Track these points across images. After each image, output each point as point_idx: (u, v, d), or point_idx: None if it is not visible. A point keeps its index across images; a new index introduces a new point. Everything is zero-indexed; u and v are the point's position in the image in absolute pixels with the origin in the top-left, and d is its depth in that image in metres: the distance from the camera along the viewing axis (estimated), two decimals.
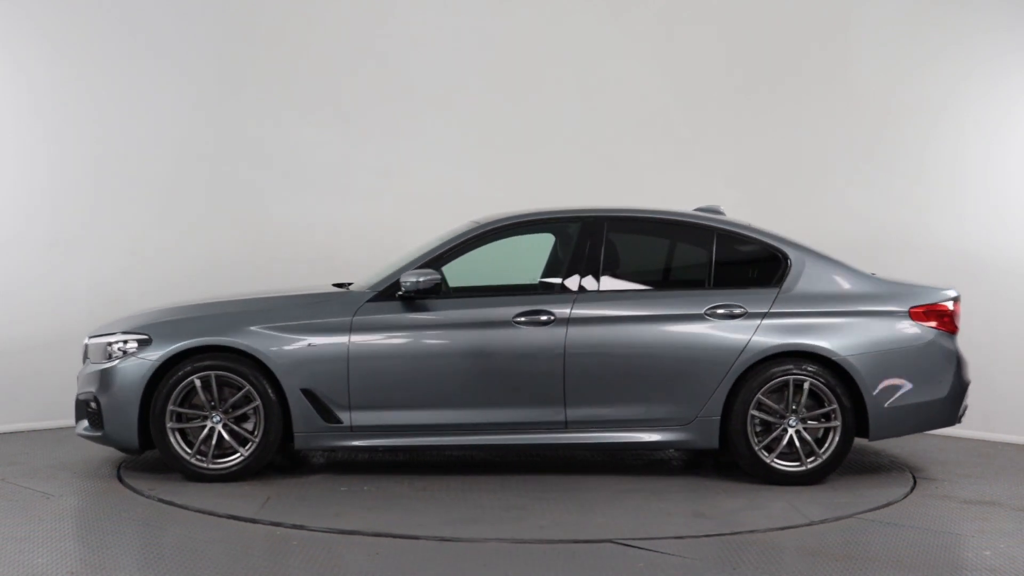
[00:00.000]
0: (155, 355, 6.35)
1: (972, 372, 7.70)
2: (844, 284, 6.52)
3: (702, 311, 6.39)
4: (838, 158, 8.78)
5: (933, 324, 6.42)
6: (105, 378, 6.45)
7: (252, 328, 6.41)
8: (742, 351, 6.31)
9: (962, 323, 7.89)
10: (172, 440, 6.32)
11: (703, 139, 9.48)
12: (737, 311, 6.38)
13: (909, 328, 6.40)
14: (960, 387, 6.49)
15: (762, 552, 4.96)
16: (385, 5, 9.76)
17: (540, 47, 10.02)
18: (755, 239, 6.66)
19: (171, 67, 8.75)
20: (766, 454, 6.30)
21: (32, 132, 8.12)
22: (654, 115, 9.70)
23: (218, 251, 8.93)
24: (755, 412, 6.30)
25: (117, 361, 6.45)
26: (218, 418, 6.35)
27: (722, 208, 6.99)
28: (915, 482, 6.43)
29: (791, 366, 6.30)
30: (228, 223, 9.01)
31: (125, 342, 6.49)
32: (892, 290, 6.52)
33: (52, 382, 8.14)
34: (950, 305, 6.50)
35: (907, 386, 6.33)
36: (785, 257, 6.56)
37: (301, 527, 5.32)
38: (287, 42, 9.37)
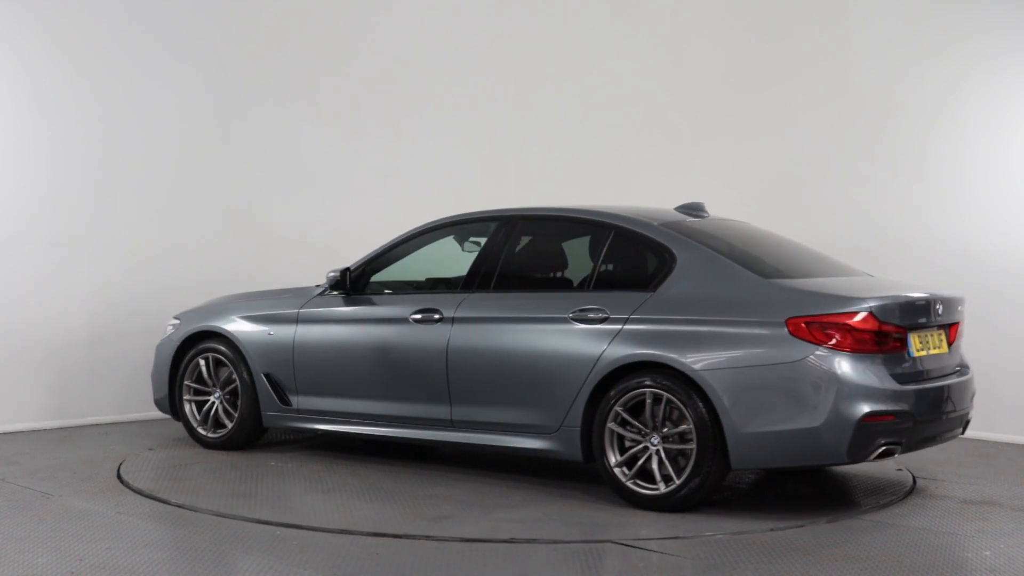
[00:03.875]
0: (176, 336, 7.43)
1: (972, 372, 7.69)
2: (726, 289, 5.69)
3: (568, 314, 5.98)
4: (838, 158, 8.78)
5: (819, 339, 5.37)
6: (155, 354, 7.61)
7: (237, 317, 7.26)
8: (597, 360, 5.81)
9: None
10: (187, 410, 7.36)
11: (703, 139, 9.48)
12: (599, 316, 5.88)
13: (782, 342, 5.42)
14: (845, 417, 5.31)
15: (762, 552, 4.96)
16: (385, 5, 9.77)
17: (540, 47, 10.03)
18: (647, 237, 6.04)
19: (172, 67, 8.76)
20: (626, 472, 5.72)
21: (34, 131, 8.12)
22: (654, 115, 9.70)
23: (219, 251, 8.95)
24: (614, 426, 5.75)
25: (160, 341, 7.61)
26: (218, 394, 7.26)
27: (704, 205, 6.66)
28: (915, 482, 6.43)
29: (647, 378, 5.66)
30: (229, 223, 9.03)
31: (172, 326, 7.57)
32: (778, 297, 5.55)
33: (53, 382, 8.15)
34: (857, 318, 5.39)
35: (772, 410, 5.41)
36: (671, 257, 5.90)
37: (299, 527, 5.32)
38: (288, 43, 9.38)
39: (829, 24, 8.88)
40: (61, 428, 8.07)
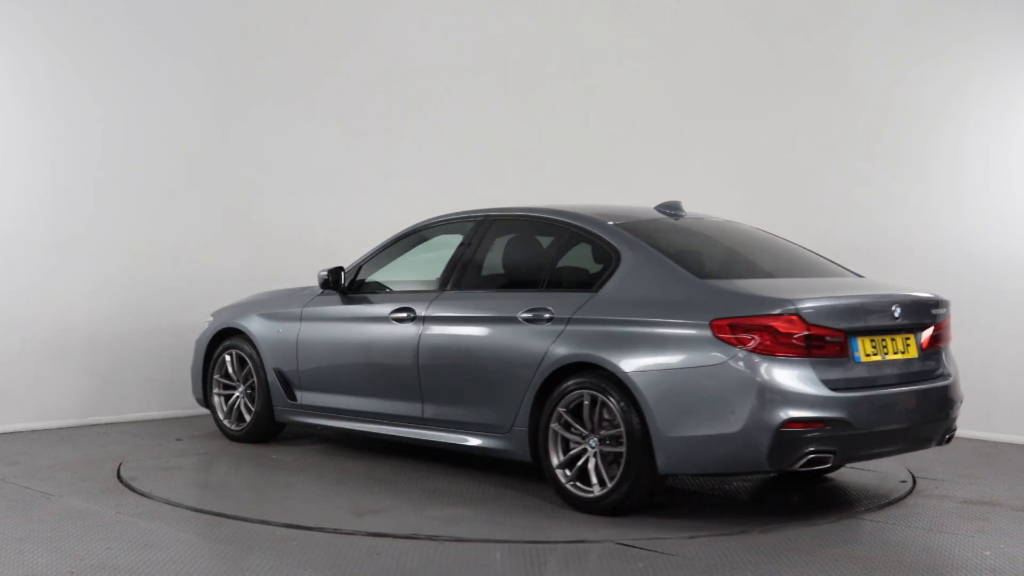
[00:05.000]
0: (208, 333, 7.73)
1: (971, 372, 7.67)
2: (662, 289, 5.56)
3: (518, 314, 5.95)
4: (838, 158, 8.78)
5: (742, 342, 5.18)
6: (194, 350, 7.88)
7: (255, 315, 7.47)
8: (542, 360, 5.75)
9: (962, 323, 7.91)
10: (215, 403, 7.65)
11: (703, 140, 9.49)
12: (545, 316, 5.82)
13: (706, 344, 5.25)
14: (765, 423, 5.12)
15: (761, 552, 4.96)
16: (385, 5, 9.77)
17: (540, 48, 10.03)
18: (598, 236, 5.96)
19: (172, 67, 8.76)
20: (567, 474, 5.64)
21: (34, 131, 8.12)
22: (654, 115, 9.70)
23: (219, 251, 8.94)
24: (557, 427, 5.68)
25: (198, 336, 7.87)
26: (241, 389, 7.51)
27: (681, 204, 6.54)
28: (915, 482, 6.43)
29: (584, 380, 5.58)
30: (229, 223, 9.03)
31: (208, 322, 7.84)
32: (707, 298, 5.39)
33: (52, 382, 8.14)
34: (782, 320, 5.18)
35: (696, 414, 5.25)
36: (617, 256, 5.81)
37: (300, 527, 5.33)
38: (288, 43, 9.38)
39: (829, 24, 8.88)
40: (61, 428, 8.07)
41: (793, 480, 6.43)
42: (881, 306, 5.58)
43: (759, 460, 5.19)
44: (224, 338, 7.62)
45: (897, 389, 5.53)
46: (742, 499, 6.07)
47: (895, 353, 5.57)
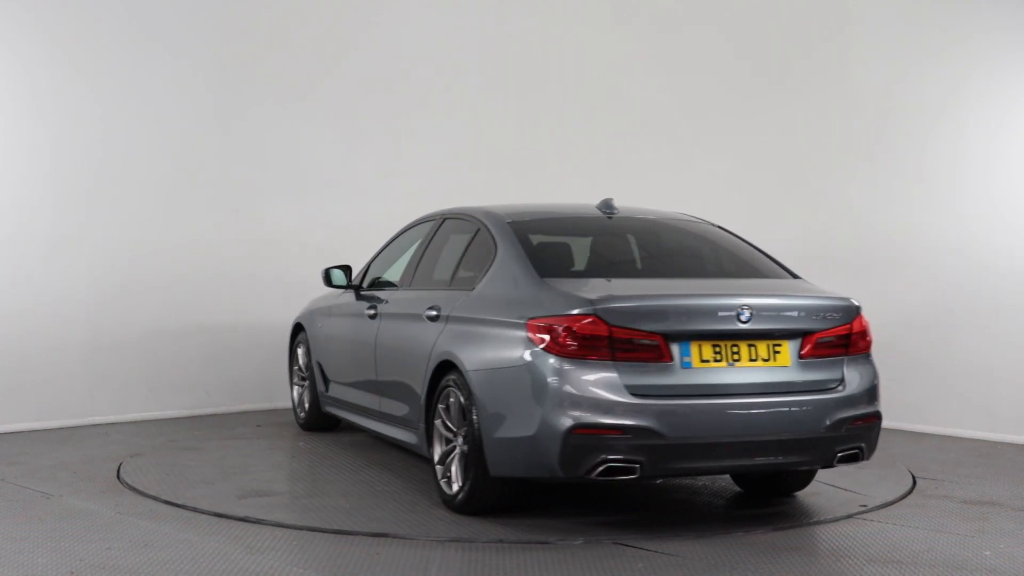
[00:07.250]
0: (290, 329, 8.27)
1: (971, 373, 7.68)
2: (510, 288, 5.46)
3: (422, 311, 5.99)
4: (838, 158, 8.78)
5: (546, 343, 5.00)
6: None
7: (310, 311, 7.93)
8: (429, 357, 5.76)
9: (961, 323, 7.91)
10: (292, 392, 8.20)
11: (703, 140, 9.49)
12: (435, 314, 5.85)
13: (521, 344, 5.09)
14: (554, 428, 4.91)
15: (762, 552, 4.96)
16: (385, 5, 9.77)
17: (541, 49, 10.03)
18: (492, 234, 5.85)
19: (172, 67, 8.76)
20: (440, 471, 5.64)
21: (34, 131, 8.12)
22: (654, 116, 9.70)
23: (219, 251, 8.94)
24: (439, 424, 5.65)
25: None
26: (307, 381, 7.94)
27: (612, 201, 6.23)
28: (915, 482, 6.43)
29: (451, 378, 5.53)
30: (228, 222, 9.02)
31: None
32: (534, 297, 5.26)
33: (52, 382, 8.14)
34: (582, 321, 4.94)
35: (510, 416, 5.13)
36: (495, 253, 5.73)
37: (301, 527, 5.33)
38: (288, 42, 9.38)
39: (829, 25, 8.88)
40: (61, 428, 8.07)
41: (791, 481, 6.41)
42: (723, 308, 5.09)
43: (553, 466, 4.98)
44: (297, 332, 8.16)
45: (740, 399, 5.04)
46: (741, 499, 6.07)
47: (752, 360, 5.12)
